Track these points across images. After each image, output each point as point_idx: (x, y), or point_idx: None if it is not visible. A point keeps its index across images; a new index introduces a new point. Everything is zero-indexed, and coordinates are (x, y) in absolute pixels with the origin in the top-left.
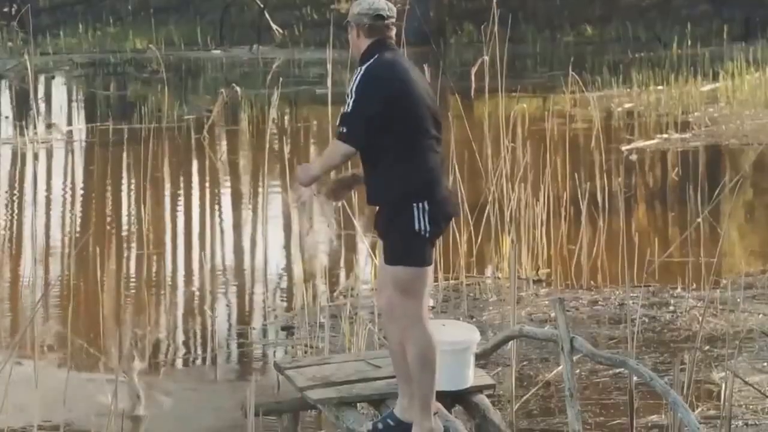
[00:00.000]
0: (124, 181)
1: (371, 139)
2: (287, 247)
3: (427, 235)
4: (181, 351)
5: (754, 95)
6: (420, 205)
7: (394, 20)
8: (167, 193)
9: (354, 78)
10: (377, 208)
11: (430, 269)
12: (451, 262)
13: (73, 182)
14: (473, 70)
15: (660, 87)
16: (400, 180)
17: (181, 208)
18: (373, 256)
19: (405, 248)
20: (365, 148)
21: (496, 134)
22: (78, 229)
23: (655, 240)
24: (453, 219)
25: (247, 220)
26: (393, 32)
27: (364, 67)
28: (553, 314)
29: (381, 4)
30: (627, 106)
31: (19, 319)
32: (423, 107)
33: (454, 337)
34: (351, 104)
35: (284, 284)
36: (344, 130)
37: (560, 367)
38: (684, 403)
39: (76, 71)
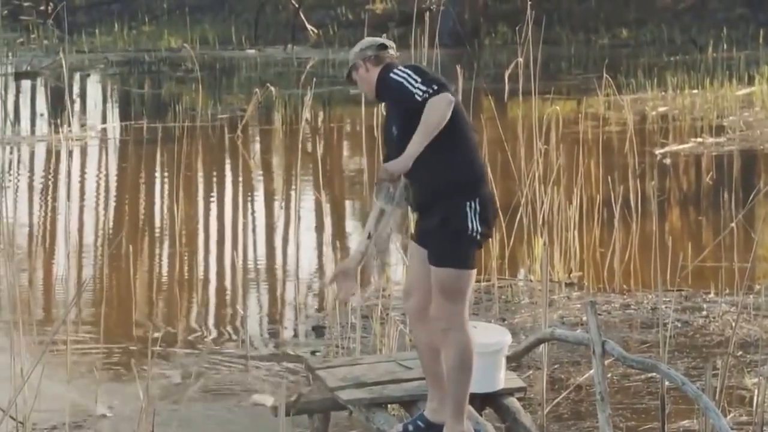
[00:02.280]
0: (158, 179)
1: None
2: (319, 246)
3: (478, 236)
4: (213, 350)
5: None
6: (472, 204)
7: (396, 52)
8: (200, 191)
9: (394, 79)
10: (419, 212)
11: (474, 272)
12: (483, 264)
13: (106, 180)
14: (507, 73)
15: (695, 90)
16: (454, 179)
17: (213, 207)
18: (404, 257)
19: (454, 249)
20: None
21: (529, 136)
22: (111, 227)
23: (688, 244)
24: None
25: (279, 220)
26: (399, 63)
27: (393, 69)
28: (584, 318)
29: (380, 38)
30: (661, 109)
31: (53, 316)
32: (459, 102)
33: (486, 339)
34: (415, 76)
35: (316, 284)
36: (435, 87)
37: (591, 371)
38: (716, 409)
39: (111, 70)
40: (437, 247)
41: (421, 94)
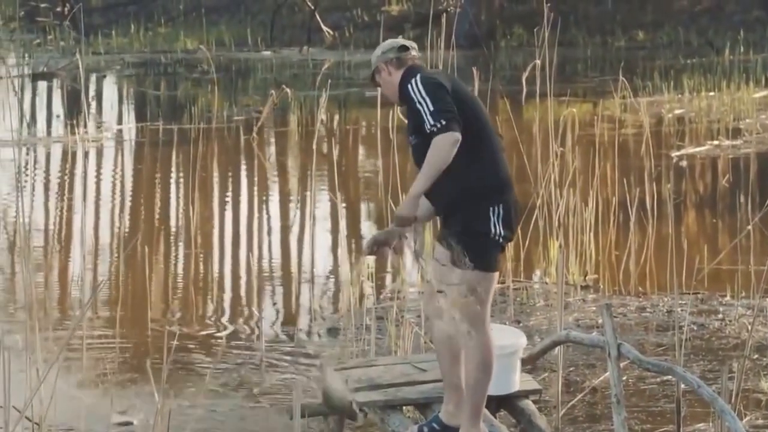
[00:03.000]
0: (173, 180)
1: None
2: (334, 248)
3: (500, 240)
4: (228, 351)
5: None
6: (496, 209)
7: (417, 51)
8: (216, 193)
9: (411, 90)
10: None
11: (497, 275)
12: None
13: (122, 181)
14: (525, 75)
15: (711, 93)
16: (477, 183)
17: (229, 209)
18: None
19: (477, 252)
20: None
21: (545, 139)
22: (127, 228)
23: (704, 247)
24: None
25: (294, 221)
26: (421, 63)
27: (412, 80)
28: (600, 320)
29: (400, 39)
30: (678, 111)
31: (69, 317)
32: (480, 105)
33: (501, 342)
34: (429, 102)
35: (331, 286)
36: (443, 122)
37: (607, 374)
38: (732, 412)
39: (127, 71)
40: (459, 248)
41: (429, 126)
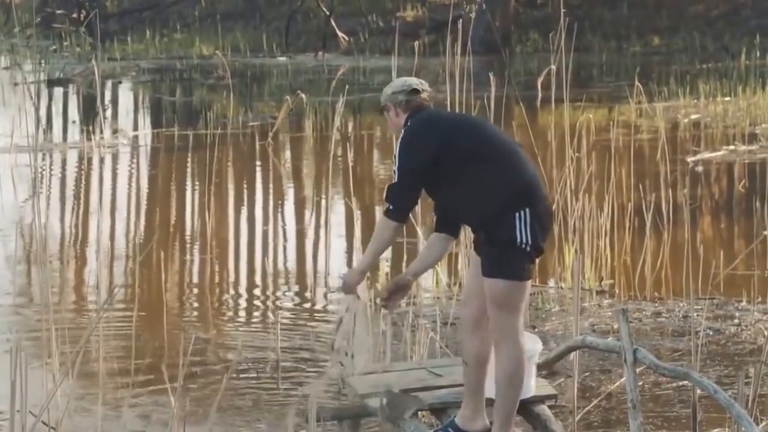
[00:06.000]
0: (189, 186)
1: (455, 172)
2: (349, 253)
3: (528, 248)
4: (244, 355)
5: None
6: (521, 214)
7: (428, 92)
8: (231, 198)
9: (397, 154)
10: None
11: (529, 284)
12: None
13: (138, 187)
14: (540, 80)
15: (727, 98)
16: (499, 190)
17: (244, 214)
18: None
19: (505, 260)
20: (452, 181)
21: (560, 144)
22: (142, 233)
23: (720, 252)
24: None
25: (309, 227)
26: (429, 103)
27: (401, 138)
28: (616, 325)
29: (413, 80)
30: (693, 117)
31: (85, 322)
32: (482, 125)
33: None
34: (396, 173)
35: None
36: (391, 207)
37: (623, 379)
38: (748, 417)
39: (142, 77)
40: (488, 258)
41: (385, 196)
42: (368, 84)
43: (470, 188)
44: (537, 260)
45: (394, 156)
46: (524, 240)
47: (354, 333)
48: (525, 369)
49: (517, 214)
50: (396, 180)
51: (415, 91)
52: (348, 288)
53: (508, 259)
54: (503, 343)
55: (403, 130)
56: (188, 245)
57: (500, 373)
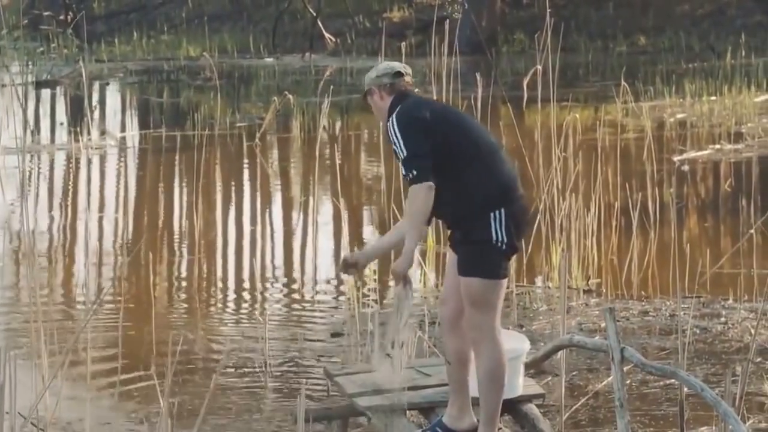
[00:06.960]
0: (177, 187)
1: (438, 167)
2: (337, 253)
3: (503, 246)
4: (231, 356)
5: None
6: (497, 214)
7: (411, 76)
8: (219, 199)
9: (390, 130)
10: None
11: (505, 283)
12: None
13: (126, 188)
14: (526, 80)
15: (713, 97)
16: (476, 191)
17: (232, 215)
18: (422, 263)
19: (480, 259)
20: (437, 176)
21: (547, 144)
22: (130, 234)
23: (706, 251)
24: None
25: (297, 227)
26: (413, 88)
27: (393, 116)
28: (603, 324)
29: (396, 64)
30: (679, 116)
31: (73, 323)
32: (467, 121)
33: (505, 346)
34: (403, 148)
35: (334, 291)
36: (415, 172)
37: (610, 378)
38: (735, 415)
39: (130, 78)
40: (463, 257)
41: (403, 174)
42: (355, 85)
43: (449, 187)
44: (512, 259)
45: (394, 137)
46: (500, 238)
47: (407, 323)
48: (505, 367)
49: (492, 214)
50: (405, 153)
51: (399, 74)
52: (399, 275)
53: (484, 257)
54: (482, 343)
55: (394, 114)
56: (176, 245)
57: (481, 372)
